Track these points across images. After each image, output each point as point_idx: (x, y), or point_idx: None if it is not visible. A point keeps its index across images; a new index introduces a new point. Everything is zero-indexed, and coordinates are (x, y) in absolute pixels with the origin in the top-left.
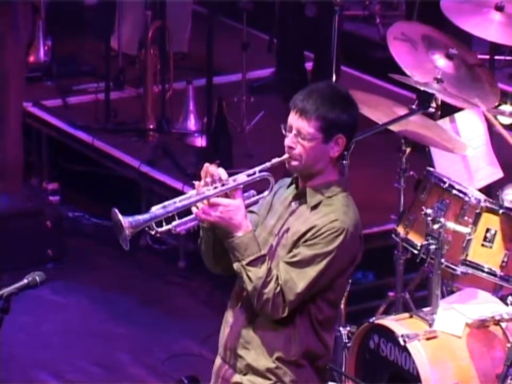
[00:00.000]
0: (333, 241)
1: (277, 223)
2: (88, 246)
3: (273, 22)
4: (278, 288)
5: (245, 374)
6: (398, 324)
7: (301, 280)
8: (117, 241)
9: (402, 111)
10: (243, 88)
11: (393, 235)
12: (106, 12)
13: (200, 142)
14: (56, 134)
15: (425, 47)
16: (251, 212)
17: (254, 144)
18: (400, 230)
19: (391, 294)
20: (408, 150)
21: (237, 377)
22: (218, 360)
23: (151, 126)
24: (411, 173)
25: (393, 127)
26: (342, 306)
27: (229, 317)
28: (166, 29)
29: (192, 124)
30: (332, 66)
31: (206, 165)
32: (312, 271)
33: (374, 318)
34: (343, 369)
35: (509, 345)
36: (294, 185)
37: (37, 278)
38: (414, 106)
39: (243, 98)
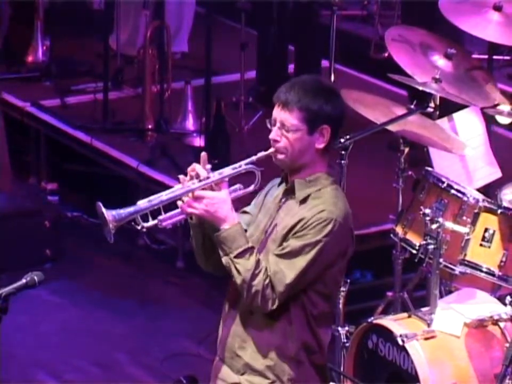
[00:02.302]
0: (321, 231)
1: (268, 220)
2: (87, 246)
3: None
4: (267, 280)
5: (242, 374)
6: (396, 323)
7: (290, 270)
8: (115, 241)
9: (400, 110)
10: (241, 88)
11: (391, 235)
12: (105, 12)
13: (199, 142)
14: (55, 134)
15: (423, 47)
16: (244, 212)
17: (252, 144)
18: (399, 230)
19: (389, 293)
20: (406, 149)
21: (234, 378)
22: (216, 361)
23: (150, 126)
24: (409, 172)
25: (392, 127)
26: (341, 306)
27: (225, 317)
28: (164, 28)
29: (190, 123)
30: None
31: (194, 164)
32: (301, 261)
33: (372, 318)
34: (342, 369)
35: (507, 345)
36: (284, 183)
37: (35, 278)
38: (412, 106)
39: (241, 99)
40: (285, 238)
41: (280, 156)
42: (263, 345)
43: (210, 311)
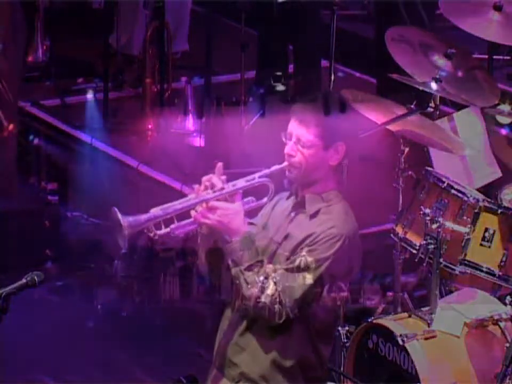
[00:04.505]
0: (331, 247)
1: (277, 232)
2: (87, 246)
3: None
4: (276, 294)
5: (237, 382)
6: (396, 323)
7: (298, 285)
8: (115, 241)
9: (400, 110)
10: (241, 88)
11: (391, 235)
12: (105, 11)
13: (199, 142)
14: (55, 134)
15: (423, 47)
16: (250, 223)
17: (251, 144)
18: (399, 229)
19: (389, 293)
20: (406, 149)
21: None
22: (212, 369)
23: (150, 126)
24: (410, 172)
25: (392, 127)
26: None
27: (224, 325)
28: (164, 28)
29: (190, 123)
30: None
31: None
32: (310, 277)
33: (372, 318)
34: (342, 369)
35: (507, 345)
36: (293, 196)
37: (36, 277)
38: (412, 106)
39: (241, 99)
40: (294, 251)
41: (294, 170)
42: (260, 355)
43: (210, 311)
